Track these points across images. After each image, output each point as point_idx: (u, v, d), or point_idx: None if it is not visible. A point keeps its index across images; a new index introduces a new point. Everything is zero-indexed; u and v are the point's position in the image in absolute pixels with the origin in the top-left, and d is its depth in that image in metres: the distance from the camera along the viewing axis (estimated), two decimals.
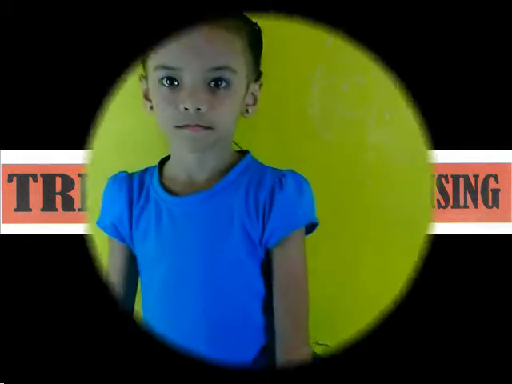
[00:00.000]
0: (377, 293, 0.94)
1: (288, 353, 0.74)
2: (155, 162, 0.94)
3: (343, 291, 0.94)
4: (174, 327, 0.75)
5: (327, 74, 0.91)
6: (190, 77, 0.69)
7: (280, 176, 0.76)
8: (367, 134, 0.92)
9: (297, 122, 0.92)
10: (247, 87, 0.75)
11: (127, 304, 0.82)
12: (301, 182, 0.77)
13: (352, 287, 0.95)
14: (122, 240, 0.80)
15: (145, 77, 0.77)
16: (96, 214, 0.84)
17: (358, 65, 0.90)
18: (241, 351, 0.76)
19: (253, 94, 0.78)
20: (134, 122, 0.94)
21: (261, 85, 0.79)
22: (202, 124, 0.70)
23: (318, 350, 0.95)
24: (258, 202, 0.74)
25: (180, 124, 0.70)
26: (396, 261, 0.94)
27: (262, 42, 0.78)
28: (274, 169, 0.79)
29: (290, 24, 0.88)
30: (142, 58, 0.75)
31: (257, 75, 0.78)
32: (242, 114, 0.77)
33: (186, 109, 0.69)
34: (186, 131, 0.70)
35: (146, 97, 0.77)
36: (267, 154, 0.91)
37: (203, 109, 0.69)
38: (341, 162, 0.93)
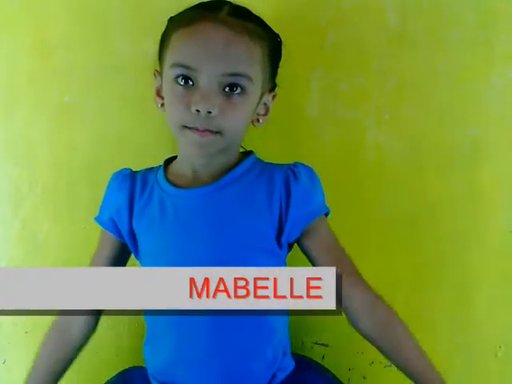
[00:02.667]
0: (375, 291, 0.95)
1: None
2: (156, 162, 0.95)
3: None
4: (179, 321, 0.74)
5: (326, 74, 0.91)
6: (205, 79, 0.68)
7: (291, 167, 0.76)
8: (367, 133, 0.92)
9: (296, 122, 0.93)
10: (261, 97, 0.75)
11: None
12: (311, 171, 0.78)
13: None
14: (119, 235, 0.79)
15: (160, 73, 0.76)
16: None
17: (357, 65, 0.91)
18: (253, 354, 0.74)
19: (265, 104, 0.77)
20: (135, 121, 0.95)
21: (274, 96, 0.78)
22: (210, 128, 0.69)
23: (318, 350, 0.95)
24: (273, 196, 0.74)
25: (189, 125, 0.69)
26: (395, 261, 0.94)
27: (281, 53, 0.77)
28: (281, 164, 0.79)
29: (290, 24, 0.89)
30: (160, 53, 0.75)
31: (271, 86, 0.77)
32: (252, 122, 0.77)
33: (198, 111, 0.68)
34: (194, 135, 0.70)
35: (159, 93, 0.76)
36: (266, 154, 0.91)
37: (214, 112, 0.68)
38: (340, 161, 0.93)
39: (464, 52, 0.89)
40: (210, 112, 0.67)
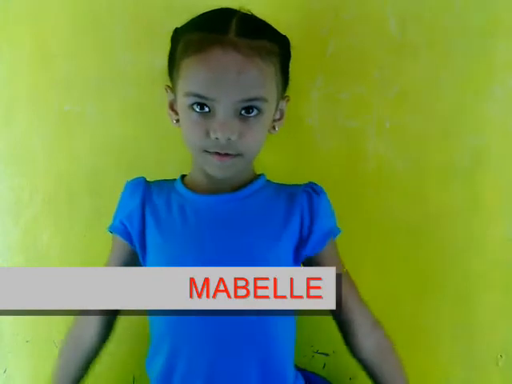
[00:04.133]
0: (377, 300, 0.94)
1: None
2: (156, 171, 0.95)
3: None
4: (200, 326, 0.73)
5: (327, 84, 0.91)
6: (221, 107, 0.68)
7: (309, 185, 0.78)
8: (367, 142, 0.92)
9: (297, 131, 0.92)
10: (276, 107, 0.75)
11: None
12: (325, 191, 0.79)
13: None
14: (129, 239, 0.79)
15: (171, 88, 0.75)
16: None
17: (358, 74, 0.90)
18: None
19: (280, 109, 0.77)
20: (136, 130, 0.95)
21: (288, 100, 0.78)
22: (230, 152, 0.70)
23: (319, 359, 0.95)
24: (293, 210, 0.75)
25: (210, 150, 0.70)
26: (396, 270, 0.94)
27: (290, 53, 0.76)
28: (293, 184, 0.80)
29: (290, 33, 0.89)
30: (170, 72, 0.75)
31: (285, 91, 0.77)
32: (268, 131, 0.77)
33: (217, 138, 0.68)
34: (214, 159, 0.70)
35: (172, 108, 0.76)
36: (267, 163, 0.91)
37: (233, 138, 0.68)
38: (341, 170, 0.93)
39: (465, 61, 0.89)
40: (229, 139, 0.68)
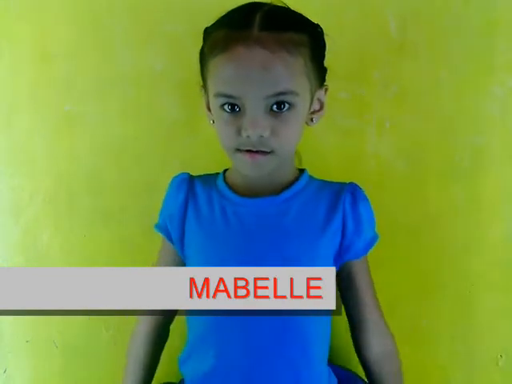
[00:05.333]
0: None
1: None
2: (156, 171, 0.95)
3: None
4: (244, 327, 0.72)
5: (327, 83, 0.91)
6: (251, 104, 0.67)
7: (353, 187, 0.77)
8: (367, 142, 0.92)
9: None
10: (311, 98, 0.73)
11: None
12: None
13: None
14: (170, 238, 0.79)
15: (204, 88, 0.74)
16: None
17: (357, 74, 0.90)
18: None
19: (319, 99, 0.75)
20: (136, 130, 0.95)
21: (327, 89, 0.76)
22: (263, 149, 0.69)
23: None
24: (335, 210, 0.74)
25: (242, 148, 0.69)
26: (396, 270, 0.94)
27: (325, 43, 0.74)
28: (335, 181, 0.79)
29: None
30: (201, 70, 0.73)
31: (321, 82, 0.74)
32: (306, 123, 0.75)
33: (248, 136, 0.67)
34: (245, 157, 0.69)
35: (209, 107, 0.75)
36: None
37: (265, 135, 0.67)
38: (341, 170, 0.93)
39: (464, 61, 0.89)
40: (262, 136, 0.67)
